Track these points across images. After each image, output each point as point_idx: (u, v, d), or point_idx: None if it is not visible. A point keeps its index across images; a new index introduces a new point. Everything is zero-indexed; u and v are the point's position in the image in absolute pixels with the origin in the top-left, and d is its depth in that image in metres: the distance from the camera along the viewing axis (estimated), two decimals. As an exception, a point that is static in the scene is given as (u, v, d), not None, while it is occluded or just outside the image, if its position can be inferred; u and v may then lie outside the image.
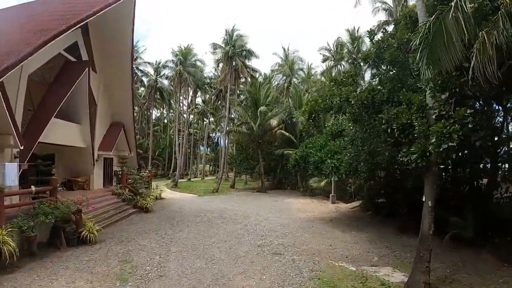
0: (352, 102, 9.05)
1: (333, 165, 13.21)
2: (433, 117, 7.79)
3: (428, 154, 7.09)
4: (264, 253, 10.91)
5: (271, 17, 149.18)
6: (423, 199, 8.25)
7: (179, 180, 49.39)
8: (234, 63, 37.58)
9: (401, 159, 7.91)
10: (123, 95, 23.07)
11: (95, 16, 16.40)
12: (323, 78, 49.50)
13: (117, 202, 19.26)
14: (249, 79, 40.64)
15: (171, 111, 63.30)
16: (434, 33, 6.86)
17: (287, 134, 30.48)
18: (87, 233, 12.10)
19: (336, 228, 15.47)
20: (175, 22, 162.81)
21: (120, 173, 23.76)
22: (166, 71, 49.38)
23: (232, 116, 41.48)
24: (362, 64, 11.41)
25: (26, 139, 14.12)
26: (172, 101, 62.44)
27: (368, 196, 19.86)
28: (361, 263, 10.40)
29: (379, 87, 9.28)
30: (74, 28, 14.96)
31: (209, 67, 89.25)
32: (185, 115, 72.42)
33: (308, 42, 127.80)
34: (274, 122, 29.54)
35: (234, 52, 36.57)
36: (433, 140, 6.65)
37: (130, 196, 19.66)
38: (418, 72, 9.92)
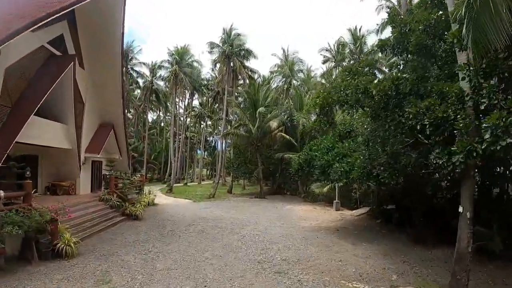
0: (374, 93, 7.61)
1: (342, 169, 11.75)
2: (472, 110, 6.37)
3: (475, 154, 5.64)
4: (265, 271, 9.39)
5: (269, 23, 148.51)
6: (460, 210, 6.79)
7: (175, 185, 47.89)
8: (232, 63, 36.25)
9: (434, 161, 6.45)
10: (113, 95, 21.61)
11: (80, 4, 15.01)
12: (323, 81, 48.39)
13: (103, 209, 17.73)
14: (247, 81, 39.29)
15: (168, 114, 61.79)
16: (480, 3, 5.44)
17: (287, 137, 29.06)
18: (63, 246, 10.59)
19: (344, 240, 13.99)
20: (174, 27, 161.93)
21: (109, 177, 22.32)
22: (162, 72, 48.01)
23: (230, 118, 40.02)
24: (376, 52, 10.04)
25: (1, 138, 12.68)
26: (168, 104, 61.04)
27: (377, 202, 18.41)
28: (378, 283, 8.93)
29: (404, 75, 7.83)
30: (55, 15, 13.49)
31: (207, 68, 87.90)
32: (182, 118, 71.20)
33: (306, 47, 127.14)
34: (273, 124, 28.11)
35: (232, 51, 35.22)
36: (487, 136, 5.21)
37: (118, 203, 18.12)
38: (445, 61, 8.54)
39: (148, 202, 22.65)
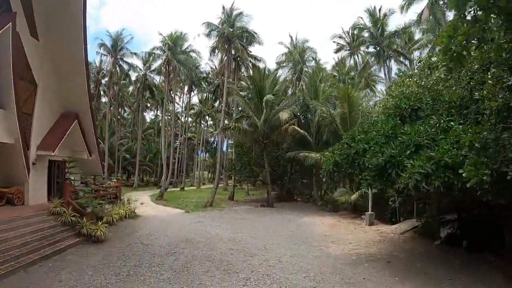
0: None
1: (421, 170, 6.62)
2: None
3: None
4: None
5: (268, 24, 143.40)
6: None
7: (171, 189, 42.84)
8: (233, 50, 31.17)
9: None
10: (76, 76, 16.61)
11: None
12: (335, 73, 43.30)
13: (52, 226, 12.76)
14: (251, 72, 34.13)
15: (167, 112, 56.86)
16: None
17: (301, 131, 23.80)
18: None
19: (408, 280, 8.80)
20: (174, 27, 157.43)
21: (74, 181, 17.32)
22: (156, 64, 42.98)
23: (232, 111, 34.71)
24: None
25: None
26: (165, 100, 56.10)
27: (436, 215, 13.21)
28: None
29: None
30: None
31: (205, 59, 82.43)
32: (181, 118, 66.11)
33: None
34: (284, 115, 22.83)
35: (233, 34, 30.13)
36: None
37: (72, 218, 13.08)
38: None
39: (126, 214, 17.59)
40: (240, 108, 32.40)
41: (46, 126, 16.24)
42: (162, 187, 29.41)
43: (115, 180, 20.07)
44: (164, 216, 19.63)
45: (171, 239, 13.39)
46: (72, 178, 17.39)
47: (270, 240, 13.66)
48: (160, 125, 59.33)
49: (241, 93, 29.90)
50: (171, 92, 49.37)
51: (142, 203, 25.31)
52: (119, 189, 19.04)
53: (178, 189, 45.64)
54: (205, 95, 55.04)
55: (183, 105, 57.55)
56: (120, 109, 55.36)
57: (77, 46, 15.99)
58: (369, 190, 14.25)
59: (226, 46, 30.59)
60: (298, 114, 26.14)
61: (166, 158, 33.95)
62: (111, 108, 53.56)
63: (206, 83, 47.66)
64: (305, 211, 23.41)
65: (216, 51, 31.68)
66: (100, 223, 13.21)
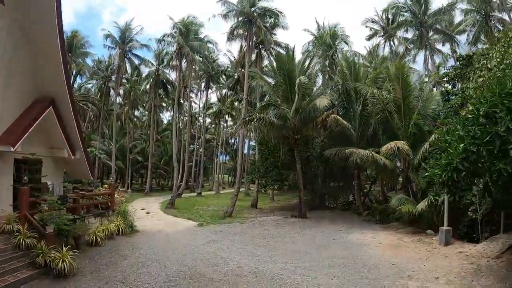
0: None
1: None
2: None
3: None
4: None
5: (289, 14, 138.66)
6: None
7: (187, 195, 38.91)
8: (254, 35, 26.83)
9: None
10: (50, 52, 12.63)
11: None
12: (366, 63, 38.28)
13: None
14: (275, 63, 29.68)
15: (183, 112, 53.11)
16: None
17: (344, 122, 18.97)
18: None
19: None
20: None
21: (53, 187, 13.42)
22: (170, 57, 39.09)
23: (255, 101, 30.12)
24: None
25: None
26: (181, 100, 52.39)
27: None
28: None
29: None
30: None
31: (223, 51, 77.82)
32: (199, 118, 62.40)
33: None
34: (323, 101, 18.04)
35: (254, 13, 25.80)
36: None
37: (27, 241, 9.08)
38: None
39: (118, 230, 13.53)
40: (263, 90, 27.92)
41: (12, 113, 12.35)
42: (173, 193, 25.17)
43: (106, 186, 15.98)
44: (170, 232, 15.41)
45: (170, 273, 9.12)
46: (50, 183, 13.46)
47: (316, 274, 9.17)
48: (176, 124, 55.80)
49: (265, 78, 25.47)
50: (187, 89, 45.65)
51: (147, 213, 21.39)
52: (112, 197, 14.95)
53: (195, 194, 41.66)
54: (224, 91, 51.00)
55: (201, 104, 53.59)
56: (133, 109, 52.02)
57: (50, 17, 12.02)
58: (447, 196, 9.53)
59: (246, 28, 26.26)
60: (336, 103, 21.43)
61: (177, 159, 29.79)
62: (123, 107, 50.45)
63: (225, 77, 43.47)
64: (348, 224, 18.71)
65: (235, 33, 27.35)
66: (64, 250, 9.03)
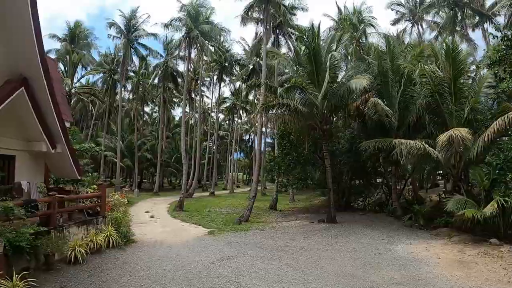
0: None
1: None
2: None
3: None
4: None
5: None
6: None
7: (198, 195, 36.31)
8: (271, 19, 23.85)
9: None
10: (19, 22, 9.98)
11: None
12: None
13: None
14: (292, 49, 26.63)
15: (195, 107, 50.46)
16: None
17: (386, 108, 15.58)
18: None
19: None
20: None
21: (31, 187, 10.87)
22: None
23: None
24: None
25: None
26: (193, 95, 49.82)
27: None
28: None
29: None
30: None
31: (236, 40, 74.24)
32: (212, 114, 59.80)
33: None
34: (361, 82, 14.72)
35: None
36: None
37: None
38: None
39: (107, 242, 10.88)
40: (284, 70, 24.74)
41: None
42: (182, 193, 22.30)
43: (95, 187, 13.32)
44: (174, 244, 12.64)
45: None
46: (26, 182, 10.89)
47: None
48: (192, 122, 53.11)
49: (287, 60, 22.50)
50: (198, 82, 43.01)
51: (151, 217, 18.78)
52: (102, 200, 12.27)
53: (208, 193, 39.04)
54: (238, 84, 48.15)
55: (213, 99, 50.88)
56: (142, 104, 49.70)
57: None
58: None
59: (263, 8, 23.26)
60: (369, 88, 18.21)
61: (189, 157, 27.08)
62: (131, 101, 48.24)
63: (239, 67, 40.57)
64: (387, 230, 15.62)
65: (250, 13, 24.41)
66: (16, 278, 6.36)
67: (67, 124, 13.51)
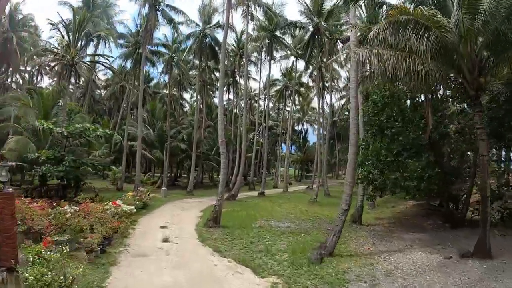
0: None
1: None
2: None
3: None
4: None
5: None
6: None
7: (244, 195, 28.99)
8: None
9: None
10: None
11: None
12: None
13: None
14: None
15: (240, 91, 43.24)
16: None
17: None
18: None
19: None
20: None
21: None
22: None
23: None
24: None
25: None
26: (237, 75, 42.64)
27: None
28: None
29: None
30: None
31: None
32: (260, 101, 52.05)
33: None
34: None
35: None
36: None
37: None
38: None
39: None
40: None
41: None
42: (218, 198, 14.27)
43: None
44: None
45: None
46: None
47: None
48: (236, 111, 45.93)
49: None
50: (242, 59, 35.52)
51: (165, 240, 11.37)
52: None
53: (256, 193, 31.59)
54: (292, 61, 40.08)
55: (261, 84, 43.25)
56: (179, 89, 43.43)
57: None
58: None
59: None
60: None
61: (231, 148, 19.65)
62: (167, 85, 42.09)
63: (295, 30, 32.36)
64: None
65: None
66: None
67: None
